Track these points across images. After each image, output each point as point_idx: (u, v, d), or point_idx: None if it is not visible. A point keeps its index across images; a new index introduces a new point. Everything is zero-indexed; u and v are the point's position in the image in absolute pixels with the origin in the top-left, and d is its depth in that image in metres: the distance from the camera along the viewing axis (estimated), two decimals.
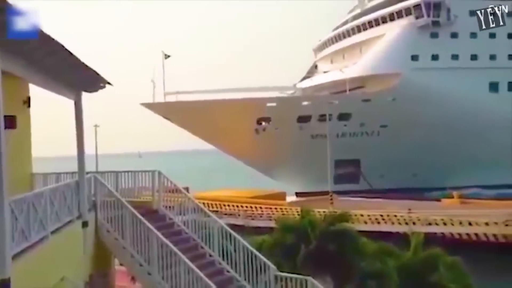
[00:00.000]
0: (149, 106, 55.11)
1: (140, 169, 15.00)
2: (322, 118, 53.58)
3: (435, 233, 30.96)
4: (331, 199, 39.95)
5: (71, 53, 7.90)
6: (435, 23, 56.19)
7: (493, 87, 56.81)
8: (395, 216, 35.09)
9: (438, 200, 43.41)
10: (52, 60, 8.18)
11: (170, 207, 14.39)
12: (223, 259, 12.91)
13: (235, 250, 12.76)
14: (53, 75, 9.40)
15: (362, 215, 34.30)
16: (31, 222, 7.96)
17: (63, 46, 7.45)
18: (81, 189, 11.43)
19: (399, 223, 34.33)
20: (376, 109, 51.82)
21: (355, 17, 63.64)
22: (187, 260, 11.15)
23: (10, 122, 10.83)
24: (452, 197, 43.06)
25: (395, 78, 53.42)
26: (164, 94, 54.11)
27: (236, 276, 12.52)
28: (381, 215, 35.67)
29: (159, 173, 14.55)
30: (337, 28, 66.14)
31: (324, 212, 24.67)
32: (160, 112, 56.59)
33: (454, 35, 56.94)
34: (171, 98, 55.28)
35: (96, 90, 12.26)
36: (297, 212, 30.66)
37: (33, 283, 7.89)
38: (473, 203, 40.82)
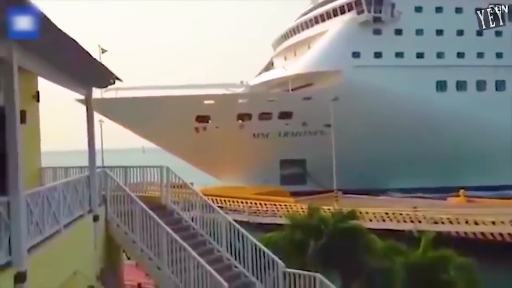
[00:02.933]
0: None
1: (145, 165, 15.13)
2: (262, 116, 52.22)
3: (441, 232, 30.87)
4: (336, 197, 39.93)
5: (83, 49, 7.95)
6: (377, 19, 53.50)
7: (441, 86, 54.32)
8: (401, 214, 35.00)
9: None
10: (65, 55, 8.23)
11: (177, 202, 14.48)
12: (231, 255, 12.98)
13: (243, 246, 12.82)
14: (65, 71, 9.47)
15: (367, 213, 34.28)
16: (45, 216, 8.03)
17: (76, 42, 7.49)
18: (92, 183, 11.50)
19: (405, 221, 34.24)
20: (318, 108, 47.86)
21: (305, 13, 61.31)
22: (196, 255, 11.21)
23: (20, 117, 10.88)
24: (459, 196, 42.94)
25: (339, 75, 50.89)
26: (101, 91, 49.99)
27: (244, 272, 12.59)
28: (386, 213, 35.60)
29: (167, 169, 14.64)
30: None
31: (329, 209, 24.82)
32: (97, 109, 52.32)
33: (398, 32, 54.16)
34: (111, 95, 51.87)
35: (106, 86, 12.36)
36: (302, 209, 30.83)
37: (47, 277, 7.97)
38: (479, 202, 40.71)
